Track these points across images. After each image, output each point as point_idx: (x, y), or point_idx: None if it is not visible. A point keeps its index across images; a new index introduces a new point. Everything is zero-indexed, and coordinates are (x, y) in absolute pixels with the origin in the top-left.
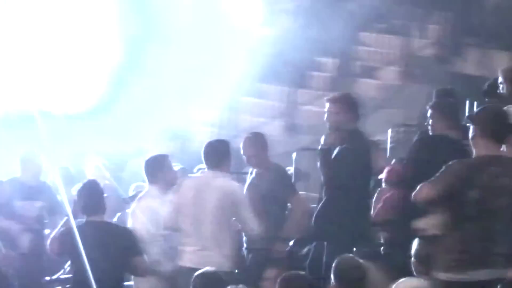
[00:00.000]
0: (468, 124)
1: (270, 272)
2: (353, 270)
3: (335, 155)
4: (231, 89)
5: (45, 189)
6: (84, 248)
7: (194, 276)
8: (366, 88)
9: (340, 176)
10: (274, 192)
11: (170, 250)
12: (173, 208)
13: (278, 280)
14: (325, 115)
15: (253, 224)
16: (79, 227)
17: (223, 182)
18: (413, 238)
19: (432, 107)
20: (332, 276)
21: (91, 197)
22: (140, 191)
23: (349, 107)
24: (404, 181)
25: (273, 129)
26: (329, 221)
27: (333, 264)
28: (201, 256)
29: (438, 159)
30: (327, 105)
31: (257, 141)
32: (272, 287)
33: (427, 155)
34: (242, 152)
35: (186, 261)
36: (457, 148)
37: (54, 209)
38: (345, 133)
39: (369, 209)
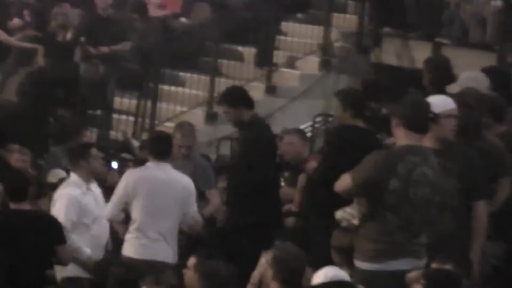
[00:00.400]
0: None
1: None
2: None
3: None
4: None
5: None
6: (11, 237)
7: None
8: (287, 78)
9: (237, 165)
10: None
11: (94, 239)
12: (118, 200)
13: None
14: None
15: (199, 217)
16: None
17: (179, 175)
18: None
19: (336, 96)
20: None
21: (18, 184)
22: (62, 178)
23: (235, 101)
24: (317, 171)
25: (193, 118)
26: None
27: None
28: (156, 248)
29: (347, 149)
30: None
31: (193, 131)
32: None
33: (337, 145)
34: (176, 141)
35: (138, 253)
36: (366, 138)
37: None
38: (242, 126)
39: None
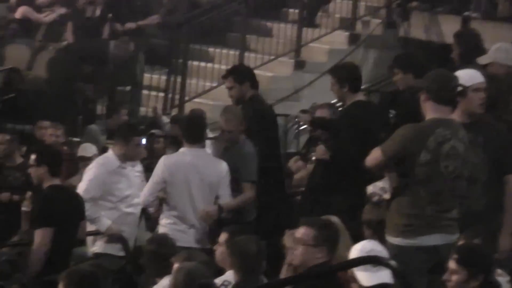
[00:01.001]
0: None
1: (222, 236)
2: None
3: None
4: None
5: None
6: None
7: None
8: (315, 53)
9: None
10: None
11: (122, 218)
12: (154, 187)
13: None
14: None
15: (230, 203)
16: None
17: (212, 160)
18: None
19: (330, 73)
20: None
21: (53, 159)
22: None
23: (242, 77)
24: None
25: (223, 94)
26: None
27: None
28: (193, 234)
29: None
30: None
31: (237, 116)
32: (222, 250)
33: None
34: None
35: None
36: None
37: None
38: (243, 103)
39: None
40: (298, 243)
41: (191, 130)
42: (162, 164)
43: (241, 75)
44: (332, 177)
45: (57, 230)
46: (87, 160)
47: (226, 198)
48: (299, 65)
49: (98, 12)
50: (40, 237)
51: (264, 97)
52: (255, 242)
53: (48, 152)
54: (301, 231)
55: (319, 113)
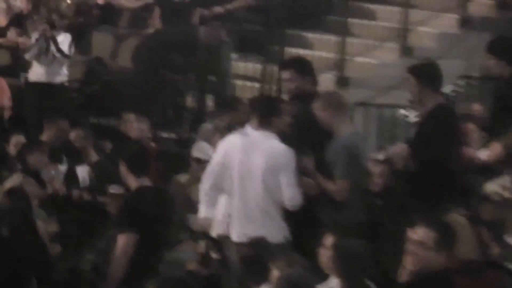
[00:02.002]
0: None
1: (328, 239)
2: None
3: None
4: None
5: None
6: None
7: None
8: (423, 37)
9: None
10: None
11: None
12: (212, 168)
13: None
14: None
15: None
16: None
17: (273, 143)
18: None
19: (410, 72)
20: None
21: (137, 156)
22: None
23: (305, 70)
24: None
25: (323, 83)
26: None
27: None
28: (247, 225)
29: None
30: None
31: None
32: (328, 255)
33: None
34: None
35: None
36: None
37: None
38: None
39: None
40: (415, 246)
41: (260, 108)
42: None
43: (304, 66)
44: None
45: (142, 235)
46: (202, 163)
47: (289, 187)
48: (406, 51)
49: None
50: (122, 242)
51: (367, 85)
52: (363, 246)
53: (131, 148)
54: (420, 233)
55: None
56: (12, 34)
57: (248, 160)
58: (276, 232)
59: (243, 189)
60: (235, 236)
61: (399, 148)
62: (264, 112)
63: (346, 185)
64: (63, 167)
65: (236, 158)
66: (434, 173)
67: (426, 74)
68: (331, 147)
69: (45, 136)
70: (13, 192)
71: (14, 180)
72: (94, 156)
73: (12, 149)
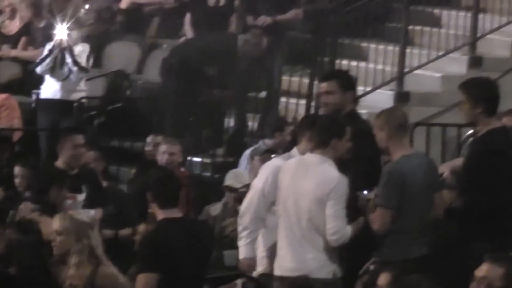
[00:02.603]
0: None
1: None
2: None
3: None
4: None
5: None
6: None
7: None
8: (495, 46)
9: None
10: None
11: None
12: (252, 197)
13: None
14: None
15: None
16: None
17: (324, 169)
18: None
19: (461, 89)
20: None
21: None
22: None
23: (348, 84)
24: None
25: (381, 99)
26: None
27: None
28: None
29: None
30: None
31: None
32: None
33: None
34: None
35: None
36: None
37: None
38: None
39: None
40: (481, 283)
41: (318, 131)
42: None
43: (347, 80)
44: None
45: (167, 275)
46: (233, 192)
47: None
48: (475, 62)
49: (222, 0)
50: (142, 284)
51: (430, 102)
52: (428, 282)
53: (156, 175)
54: (485, 269)
55: (506, 122)
56: (22, 44)
57: (295, 188)
58: (322, 267)
59: (288, 219)
60: (278, 271)
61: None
62: (324, 132)
63: (383, 214)
64: (81, 196)
65: (282, 185)
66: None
67: (476, 91)
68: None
69: (60, 162)
70: (23, 225)
71: (23, 210)
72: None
73: (17, 181)
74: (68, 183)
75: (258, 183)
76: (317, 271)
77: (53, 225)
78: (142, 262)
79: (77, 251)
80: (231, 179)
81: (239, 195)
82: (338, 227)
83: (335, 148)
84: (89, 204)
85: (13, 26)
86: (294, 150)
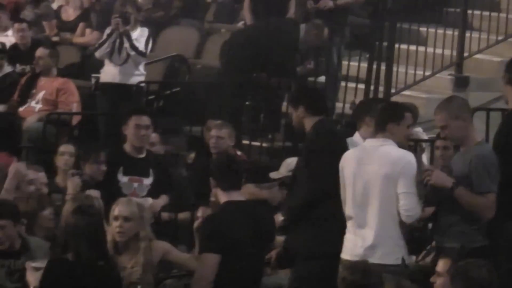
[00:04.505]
0: None
1: (442, 265)
2: None
3: None
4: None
5: None
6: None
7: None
8: None
9: None
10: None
11: None
12: None
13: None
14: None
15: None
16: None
17: (391, 148)
18: None
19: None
20: None
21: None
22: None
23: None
24: None
25: (439, 84)
26: None
27: None
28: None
29: None
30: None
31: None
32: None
33: None
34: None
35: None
36: None
37: None
38: None
39: None
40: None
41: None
42: None
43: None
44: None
45: (228, 257)
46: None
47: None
48: None
49: None
50: (203, 264)
51: (489, 87)
52: (487, 269)
53: (214, 163)
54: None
55: None
56: (80, 30)
57: (363, 173)
58: (391, 252)
59: (356, 205)
60: (346, 255)
61: None
62: (380, 117)
63: (495, 199)
64: (148, 181)
65: (347, 172)
66: None
67: None
68: (461, 159)
69: (128, 145)
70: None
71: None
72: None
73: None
74: (135, 166)
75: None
76: (386, 257)
77: (116, 210)
78: (205, 243)
79: (145, 237)
80: (281, 168)
81: (284, 180)
82: (411, 204)
83: (392, 133)
84: (154, 189)
85: (71, 12)
86: (356, 135)
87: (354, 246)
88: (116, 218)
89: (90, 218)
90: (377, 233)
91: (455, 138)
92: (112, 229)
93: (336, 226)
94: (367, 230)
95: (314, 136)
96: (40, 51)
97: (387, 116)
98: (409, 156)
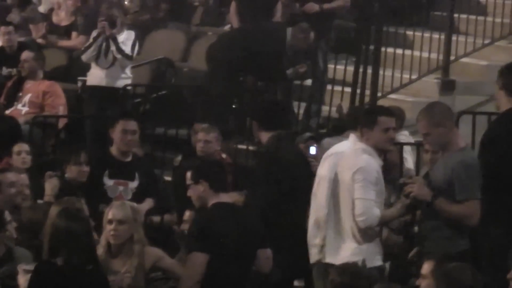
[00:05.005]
0: None
1: (427, 266)
2: None
3: None
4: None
5: None
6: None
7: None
8: None
9: None
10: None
11: None
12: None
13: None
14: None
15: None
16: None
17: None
18: None
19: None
20: None
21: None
22: None
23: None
24: None
25: (426, 88)
26: None
27: None
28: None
29: None
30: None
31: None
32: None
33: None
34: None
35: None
36: None
37: None
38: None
39: None
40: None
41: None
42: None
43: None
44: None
45: (216, 257)
46: None
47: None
48: None
49: None
50: (191, 263)
51: (476, 91)
52: (471, 272)
53: (206, 164)
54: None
55: None
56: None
57: (332, 175)
58: (373, 254)
59: (336, 205)
60: (329, 259)
61: None
62: (356, 122)
63: (478, 206)
64: (133, 184)
65: (321, 173)
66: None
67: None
68: (443, 166)
69: (114, 149)
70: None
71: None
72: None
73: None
74: (121, 170)
75: (322, 171)
76: (369, 259)
77: (109, 214)
78: (194, 242)
79: (138, 240)
80: None
81: None
82: (364, 208)
83: (367, 138)
84: (140, 193)
85: (63, 16)
86: (352, 137)
87: (335, 249)
88: (110, 221)
89: (80, 221)
90: (357, 236)
91: (437, 145)
92: (106, 232)
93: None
94: (348, 231)
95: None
96: (26, 54)
97: (360, 122)
98: (363, 162)
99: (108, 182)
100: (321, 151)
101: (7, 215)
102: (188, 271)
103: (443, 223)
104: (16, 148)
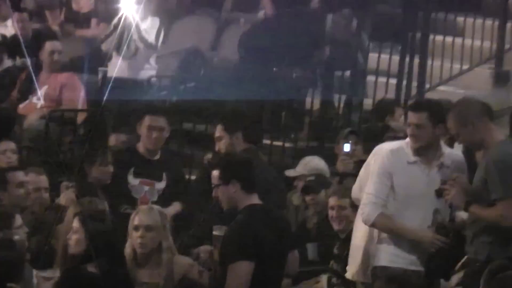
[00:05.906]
0: None
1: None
2: None
3: None
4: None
5: None
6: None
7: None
8: None
9: None
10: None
11: None
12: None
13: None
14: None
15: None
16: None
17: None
18: None
19: None
20: None
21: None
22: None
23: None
24: None
25: (477, 79)
26: None
27: None
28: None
29: None
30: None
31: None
32: None
33: None
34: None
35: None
36: None
37: None
38: None
39: None
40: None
41: None
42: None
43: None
44: None
45: (261, 264)
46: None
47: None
48: None
49: None
50: (237, 274)
51: None
52: None
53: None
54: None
55: None
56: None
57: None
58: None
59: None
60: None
61: None
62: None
63: (509, 205)
64: (160, 185)
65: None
66: None
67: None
68: (480, 165)
69: (140, 146)
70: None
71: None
72: None
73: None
74: (147, 169)
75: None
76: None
77: (136, 219)
78: (237, 250)
79: (167, 248)
80: (298, 166)
81: (307, 183)
82: (363, 204)
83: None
84: (167, 194)
85: (85, 3)
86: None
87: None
88: (136, 227)
89: (107, 225)
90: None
91: (469, 144)
92: (133, 240)
93: None
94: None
95: None
96: (53, 45)
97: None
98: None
99: (133, 181)
100: None
101: (18, 219)
102: (234, 283)
103: (484, 227)
104: (2, 146)
